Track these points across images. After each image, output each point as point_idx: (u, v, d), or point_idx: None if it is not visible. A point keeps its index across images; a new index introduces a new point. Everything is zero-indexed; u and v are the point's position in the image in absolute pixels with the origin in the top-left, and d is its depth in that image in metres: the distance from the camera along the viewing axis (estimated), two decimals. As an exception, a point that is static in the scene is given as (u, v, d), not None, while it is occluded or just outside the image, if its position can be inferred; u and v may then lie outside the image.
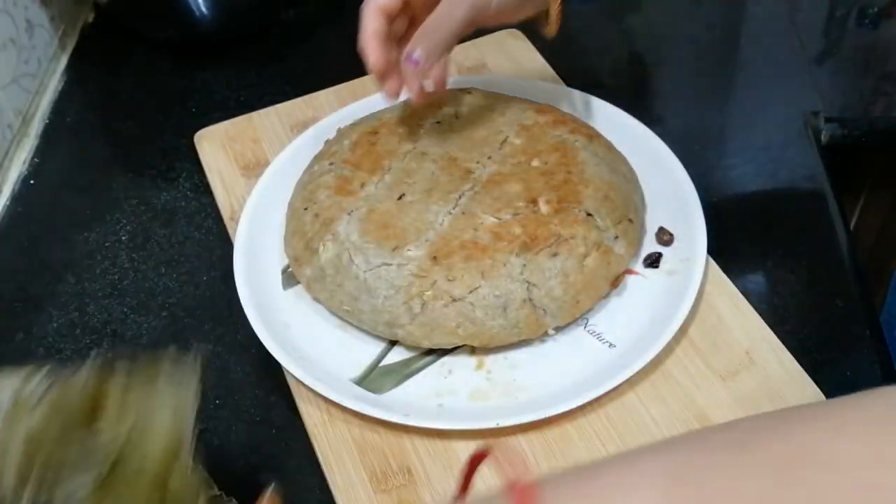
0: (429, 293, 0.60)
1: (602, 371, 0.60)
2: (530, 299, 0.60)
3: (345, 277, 0.62)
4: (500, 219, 0.63)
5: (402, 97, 0.75)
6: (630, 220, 0.65)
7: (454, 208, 0.64)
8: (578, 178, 0.65)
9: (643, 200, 0.69)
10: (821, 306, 0.65)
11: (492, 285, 0.60)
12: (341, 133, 0.73)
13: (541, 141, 0.68)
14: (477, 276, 0.60)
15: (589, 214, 0.63)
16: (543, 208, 0.63)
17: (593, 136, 0.70)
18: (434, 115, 0.71)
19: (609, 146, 0.70)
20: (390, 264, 0.61)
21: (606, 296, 0.63)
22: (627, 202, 0.66)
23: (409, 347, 0.62)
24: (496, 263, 0.60)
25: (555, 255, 0.61)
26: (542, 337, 0.62)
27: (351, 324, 0.64)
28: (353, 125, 0.73)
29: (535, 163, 0.66)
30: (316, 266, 0.64)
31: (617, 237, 0.63)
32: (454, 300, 0.60)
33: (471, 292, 0.60)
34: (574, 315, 0.62)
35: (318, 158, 0.71)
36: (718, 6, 0.91)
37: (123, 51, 0.92)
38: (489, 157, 0.67)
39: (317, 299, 0.65)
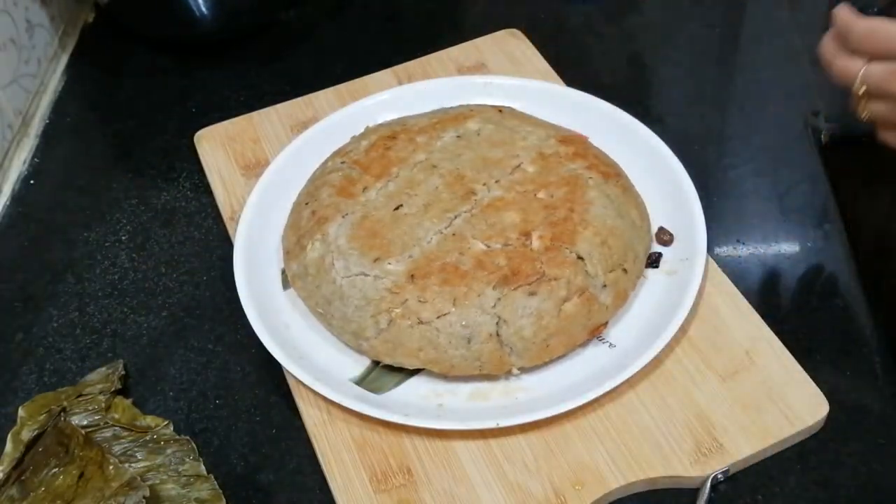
0: (398, 311, 0.59)
1: (602, 371, 0.60)
2: (497, 335, 0.59)
3: (323, 280, 0.62)
4: (488, 246, 0.61)
5: (434, 107, 0.75)
6: (624, 270, 0.62)
7: (447, 228, 0.63)
8: (580, 217, 0.63)
9: (648, 249, 0.66)
10: (821, 306, 0.66)
11: (460, 314, 0.59)
12: (365, 132, 0.73)
13: (553, 172, 0.66)
14: (448, 302, 0.59)
15: (580, 258, 0.61)
16: (535, 243, 0.61)
17: (611, 175, 0.67)
18: (457, 128, 0.70)
19: (626, 188, 0.67)
20: (367, 275, 0.61)
21: (584, 345, 0.62)
22: (626, 251, 0.63)
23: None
24: (470, 292, 0.59)
25: (533, 293, 0.59)
26: (507, 375, 0.61)
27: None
28: (378, 126, 0.73)
29: (540, 194, 0.64)
30: (301, 263, 0.64)
31: (605, 286, 0.61)
32: (420, 322, 0.59)
33: (438, 317, 0.59)
34: (542, 359, 0.60)
35: (335, 154, 0.71)
36: (718, 6, 0.91)
37: (123, 51, 0.92)
38: (497, 181, 0.66)
39: (299, 296, 0.65)
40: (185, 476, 0.58)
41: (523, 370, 0.60)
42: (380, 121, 0.75)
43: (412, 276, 0.60)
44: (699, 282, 0.62)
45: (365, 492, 0.56)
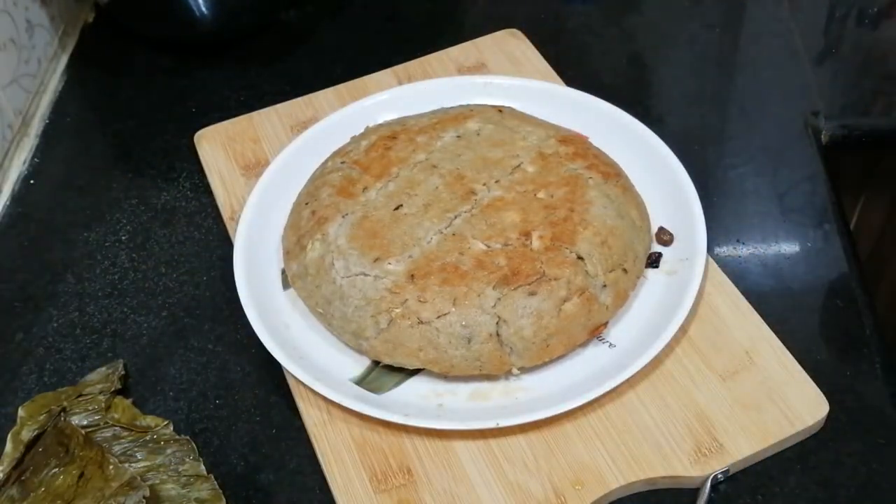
0: (398, 311, 0.59)
1: (602, 371, 0.60)
2: (497, 334, 0.58)
3: (323, 280, 0.62)
4: (488, 246, 0.61)
5: (434, 107, 0.75)
6: (624, 270, 0.62)
7: (447, 228, 0.63)
8: (579, 217, 0.63)
9: (648, 249, 0.66)
10: (821, 306, 0.66)
11: (460, 314, 0.58)
12: (365, 132, 0.73)
13: (553, 172, 0.66)
14: (448, 301, 0.59)
15: (580, 258, 0.61)
16: (535, 243, 0.61)
17: (611, 175, 0.67)
18: (457, 128, 0.70)
19: (626, 188, 0.67)
20: (368, 275, 0.61)
21: (584, 345, 0.62)
22: (626, 250, 0.63)
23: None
24: (470, 292, 0.59)
25: (533, 293, 0.59)
26: (507, 375, 0.61)
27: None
28: (378, 126, 0.73)
29: (540, 194, 0.64)
30: (301, 263, 0.64)
31: (605, 286, 0.61)
32: (421, 322, 0.59)
33: (438, 317, 0.59)
34: (542, 358, 0.59)
35: (335, 154, 0.71)
36: (718, 6, 0.92)
37: (123, 51, 0.92)
38: (497, 181, 0.66)
39: (299, 296, 0.65)
40: (185, 476, 0.58)
41: (523, 370, 0.60)
42: (380, 121, 0.75)
43: (412, 276, 0.60)
44: (699, 282, 0.62)
45: (365, 492, 0.56)
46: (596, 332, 0.61)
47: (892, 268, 0.89)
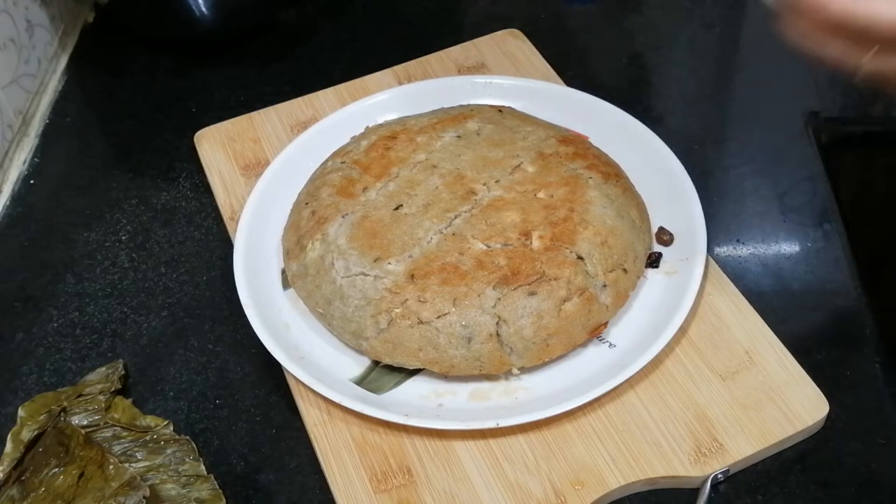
0: (398, 311, 0.59)
1: (602, 371, 0.60)
2: (497, 334, 0.59)
3: (323, 280, 0.62)
4: (488, 246, 0.61)
5: (434, 107, 0.75)
6: (624, 270, 0.62)
7: (447, 227, 0.63)
8: (579, 217, 0.63)
9: (648, 249, 0.66)
10: (821, 306, 0.66)
11: (460, 314, 0.59)
12: (365, 132, 0.73)
13: (553, 172, 0.66)
14: (448, 301, 0.59)
15: (580, 258, 0.61)
16: (535, 243, 0.61)
17: (611, 175, 0.67)
18: (456, 128, 0.71)
19: (626, 188, 0.67)
20: (368, 275, 0.61)
21: (584, 345, 0.62)
22: (626, 250, 0.63)
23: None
24: (470, 292, 0.59)
25: (533, 293, 0.59)
26: (507, 375, 0.61)
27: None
28: (378, 126, 0.73)
29: (540, 194, 0.64)
30: (301, 263, 0.64)
31: (605, 286, 0.61)
32: (421, 322, 0.59)
33: (438, 317, 0.59)
34: (542, 358, 0.59)
35: (335, 154, 0.71)
36: (718, 6, 0.91)
37: (123, 51, 0.92)
38: (497, 181, 0.66)
39: (299, 296, 0.65)
40: (185, 476, 0.58)
41: (523, 370, 0.60)
42: (380, 121, 0.75)
43: (412, 276, 0.60)
44: (699, 282, 0.62)
45: (365, 492, 0.56)
46: (596, 332, 0.61)
47: (892, 268, 0.88)
